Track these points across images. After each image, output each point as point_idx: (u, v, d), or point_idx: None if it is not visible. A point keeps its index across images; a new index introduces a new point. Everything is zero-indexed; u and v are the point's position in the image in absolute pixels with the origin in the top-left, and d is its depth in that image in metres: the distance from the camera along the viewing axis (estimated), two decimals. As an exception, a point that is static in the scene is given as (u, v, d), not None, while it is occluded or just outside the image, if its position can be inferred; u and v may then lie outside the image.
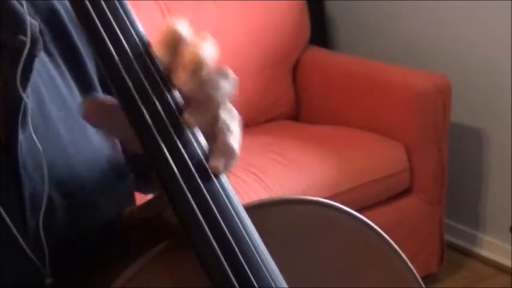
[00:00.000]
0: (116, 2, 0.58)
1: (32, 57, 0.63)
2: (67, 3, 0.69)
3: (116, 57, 0.57)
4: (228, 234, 0.59)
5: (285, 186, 2.24)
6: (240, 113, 0.63)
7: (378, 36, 2.94)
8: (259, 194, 2.18)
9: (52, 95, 0.68)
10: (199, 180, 0.58)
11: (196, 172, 0.58)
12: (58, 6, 0.71)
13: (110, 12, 0.57)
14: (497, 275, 2.64)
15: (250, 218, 0.61)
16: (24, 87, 0.62)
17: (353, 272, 0.70)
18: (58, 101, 0.68)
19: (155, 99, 0.57)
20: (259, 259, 0.60)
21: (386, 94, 2.52)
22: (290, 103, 2.80)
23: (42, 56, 0.66)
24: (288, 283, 0.62)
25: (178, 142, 0.58)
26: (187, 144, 0.58)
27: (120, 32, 0.57)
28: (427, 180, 2.49)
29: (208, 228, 0.58)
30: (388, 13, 2.88)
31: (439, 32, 2.72)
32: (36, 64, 0.64)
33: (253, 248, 0.60)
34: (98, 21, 0.57)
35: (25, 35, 0.63)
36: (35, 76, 0.64)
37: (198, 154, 0.59)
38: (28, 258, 0.63)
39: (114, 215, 0.71)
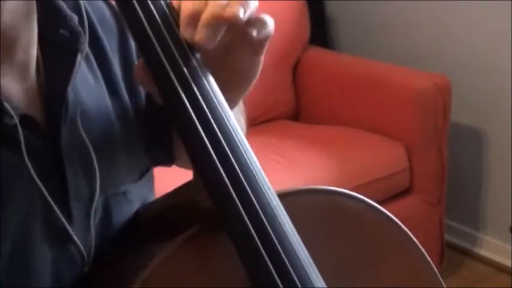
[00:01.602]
0: None
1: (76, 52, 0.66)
2: (95, 3, 0.73)
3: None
4: (268, 226, 0.60)
5: (284, 186, 2.23)
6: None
7: (378, 36, 2.94)
8: (259, 194, 2.18)
9: (86, 91, 0.70)
10: (234, 162, 0.60)
11: (232, 155, 0.61)
12: (87, 7, 0.73)
13: None
14: (497, 275, 2.64)
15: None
16: (68, 82, 0.65)
17: (373, 261, 0.70)
18: (92, 98, 0.70)
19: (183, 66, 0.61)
20: (296, 250, 0.61)
21: (387, 94, 2.51)
22: (290, 103, 2.80)
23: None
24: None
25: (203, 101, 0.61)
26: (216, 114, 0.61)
27: None
28: (427, 180, 2.49)
29: (245, 213, 0.59)
30: (388, 13, 2.88)
31: (439, 32, 2.72)
32: (79, 59, 0.66)
33: (292, 242, 0.61)
34: None
35: (68, 30, 0.66)
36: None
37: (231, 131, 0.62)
38: (75, 246, 0.65)
39: (140, 204, 0.74)
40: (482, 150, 2.69)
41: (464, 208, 2.79)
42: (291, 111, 2.81)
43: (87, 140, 0.67)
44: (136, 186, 0.74)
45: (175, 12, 0.63)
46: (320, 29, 3.01)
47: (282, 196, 0.65)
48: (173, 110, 0.61)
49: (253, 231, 0.59)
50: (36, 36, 0.66)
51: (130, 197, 0.73)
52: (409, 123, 2.47)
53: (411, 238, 0.72)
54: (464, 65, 2.65)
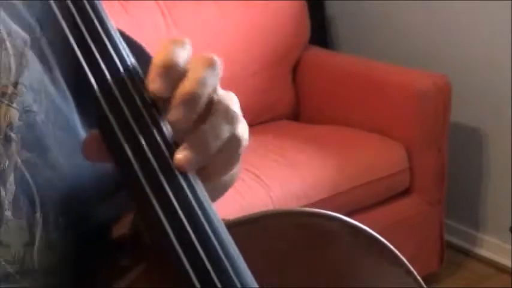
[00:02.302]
0: (100, 29, 0.57)
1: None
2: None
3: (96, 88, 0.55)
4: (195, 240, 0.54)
5: (284, 186, 2.23)
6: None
7: (378, 36, 2.94)
8: (259, 194, 2.18)
9: (45, 109, 0.63)
10: (163, 180, 0.54)
11: (163, 175, 0.55)
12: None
13: (91, 38, 0.57)
14: (497, 275, 2.64)
15: (260, 228, 0.59)
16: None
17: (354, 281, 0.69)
18: (51, 116, 0.64)
19: (142, 141, 0.54)
20: (227, 264, 0.54)
21: (387, 94, 2.52)
22: (290, 103, 2.80)
23: (37, 65, 0.63)
24: None
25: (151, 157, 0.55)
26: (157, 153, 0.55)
27: (101, 59, 0.56)
28: (427, 180, 2.49)
29: (176, 238, 0.53)
30: (388, 13, 2.88)
31: (439, 32, 2.72)
32: (24, 81, 0.60)
33: (223, 255, 0.54)
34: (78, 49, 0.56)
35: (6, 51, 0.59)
36: (24, 92, 0.60)
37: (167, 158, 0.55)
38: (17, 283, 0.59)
39: (111, 225, 0.68)
40: (482, 150, 2.69)
41: (464, 208, 2.79)
42: (291, 111, 2.81)
43: (27, 174, 0.60)
44: (109, 205, 0.67)
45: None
46: (320, 29, 3.01)
47: (260, 219, 0.62)
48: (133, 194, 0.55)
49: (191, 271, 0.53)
50: None
51: (101, 218, 0.66)
52: (409, 123, 2.47)
53: (402, 261, 0.69)
54: (464, 65, 2.65)
